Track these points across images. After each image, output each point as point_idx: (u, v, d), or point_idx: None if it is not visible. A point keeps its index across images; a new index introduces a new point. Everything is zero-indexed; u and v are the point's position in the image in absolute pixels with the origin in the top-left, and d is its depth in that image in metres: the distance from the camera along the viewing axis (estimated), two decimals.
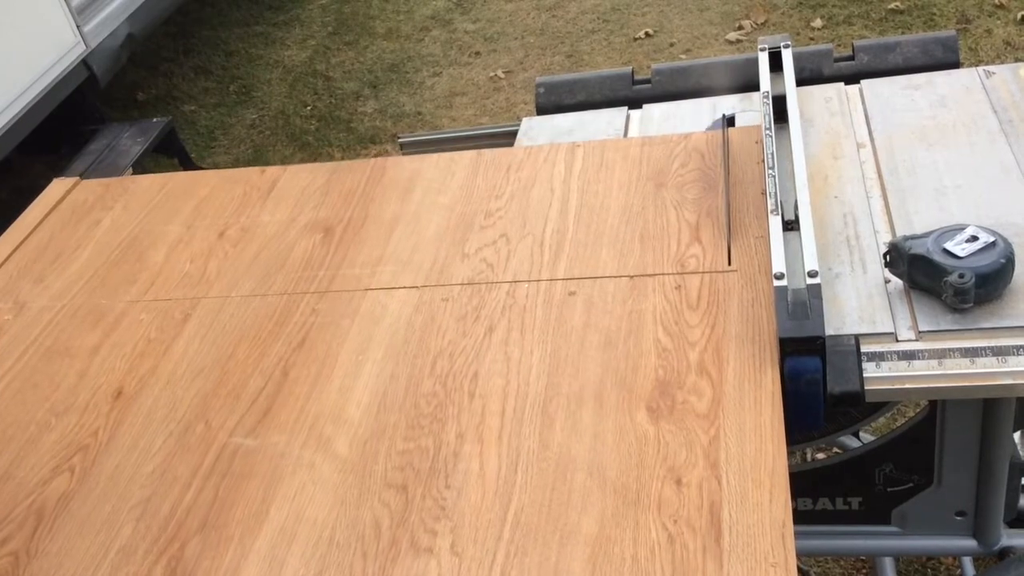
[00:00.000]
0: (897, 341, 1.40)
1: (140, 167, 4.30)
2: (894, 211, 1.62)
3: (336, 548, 1.29)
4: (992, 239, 1.41)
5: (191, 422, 1.53)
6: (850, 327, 1.43)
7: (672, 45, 5.05)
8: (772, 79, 1.88)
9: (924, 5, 4.79)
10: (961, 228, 1.45)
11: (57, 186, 2.27)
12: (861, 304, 1.46)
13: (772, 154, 1.67)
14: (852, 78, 2.02)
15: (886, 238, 1.56)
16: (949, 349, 1.37)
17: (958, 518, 1.73)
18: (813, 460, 2.36)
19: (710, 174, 1.78)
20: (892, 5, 4.83)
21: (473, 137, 2.44)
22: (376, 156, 4.80)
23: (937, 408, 1.61)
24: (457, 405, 1.44)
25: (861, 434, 2.29)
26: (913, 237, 1.46)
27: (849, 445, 2.17)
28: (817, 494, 1.79)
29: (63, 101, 4.17)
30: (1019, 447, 1.70)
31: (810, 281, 1.42)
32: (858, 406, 1.43)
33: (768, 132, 1.73)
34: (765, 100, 1.82)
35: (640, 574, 1.17)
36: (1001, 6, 4.65)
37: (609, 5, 5.54)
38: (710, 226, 1.66)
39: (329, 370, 1.56)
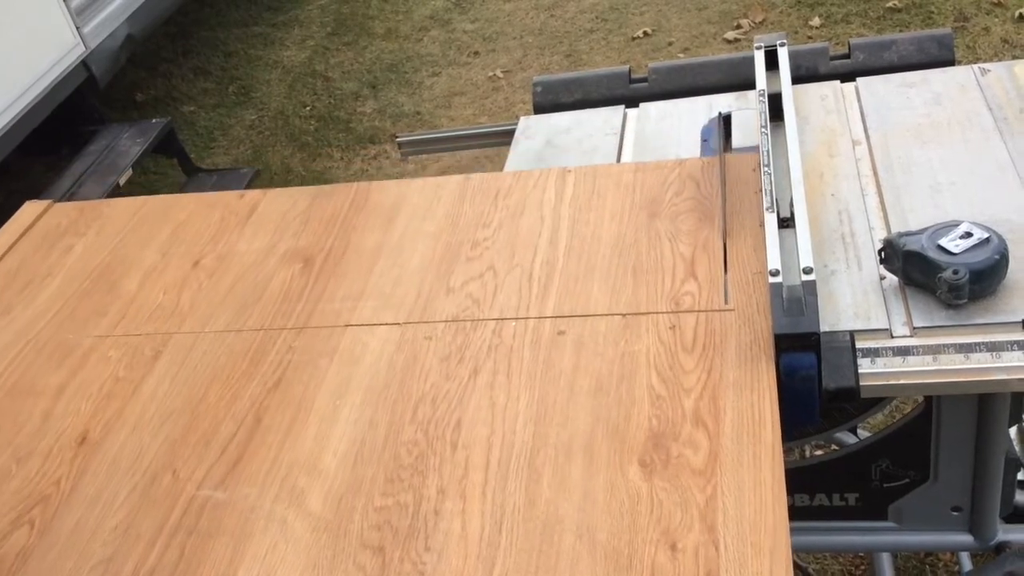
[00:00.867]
0: (892, 337, 1.41)
1: (140, 167, 4.32)
2: (889, 208, 1.63)
3: None
4: (986, 235, 1.42)
5: (158, 472, 1.44)
6: (845, 323, 1.44)
7: (670, 44, 5.06)
8: (768, 77, 1.89)
9: (922, 3, 4.79)
10: (955, 224, 1.45)
11: (29, 209, 2.16)
12: (856, 300, 1.47)
13: (768, 151, 1.68)
14: (848, 76, 2.03)
15: (881, 235, 1.56)
16: (943, 345, 1.38)
17: (954, 513, 1.73)
18: (812, 456, 2.37)
19: (705, 203, 1.71)
20: (890, 3, 4.83)
21: (471, 136, 2.45)
22: (375, 156, 4.81)
23: (932, 404, 1.62)
24: (439, 456, 1.36)
25: (859, 430, 2.30)
26: (908, 234, 1.46)
27: (846, 441, 2.18)
28: (814, 490, 1.80)
29: (63, 102, 4.19)
30: (1014, 443, 1.71)
31: (805, 278, 1.42)
32: (853, 402, 1.43)
33: (764, 130, 1.74)
34: (761, 98, 1.83)
35: None
36: (999, 4, 4.66)
37: (607, 4, 5.55)
38: (706, 260, 1.58)
39: (305, 415, 1.48)
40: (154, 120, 4.49)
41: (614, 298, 1.55)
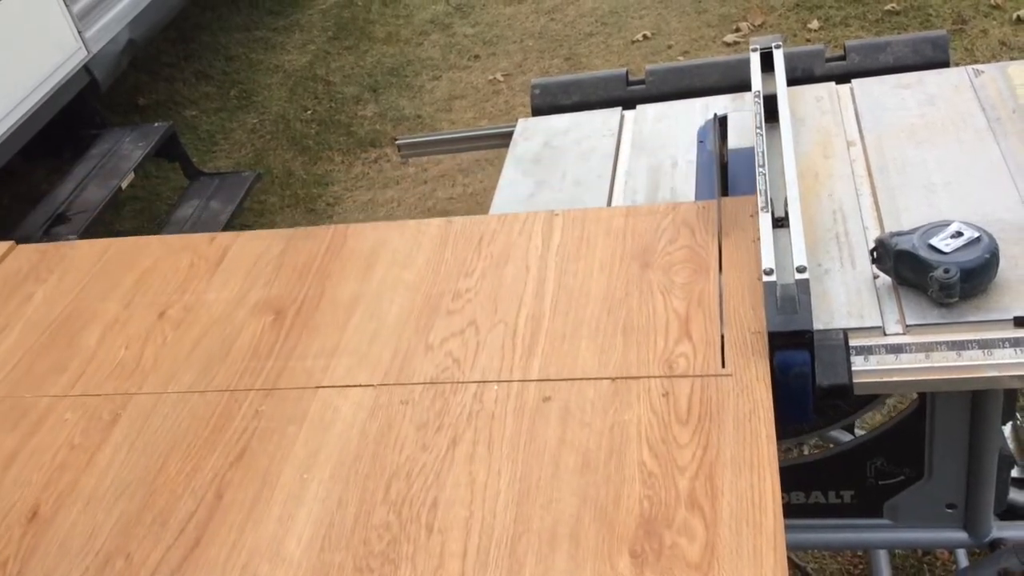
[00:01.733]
0: (885, 335, 1.42)
1: (142, 171, 4.33)
2: (883, 208, 1.65)
3: None
4: (977, 235, 1.44)
5: (111, 554, 1.33)
6: (838, 321, 1.45)
7: (670, 47, 5.08)
8: (764, 79, 1.91)
9: (920, 6, 4.81)
10: (946, 224, 1.47)
11: None
12: (850, 299, 1.49)
13: (763, 152, 1.69)
14: (843, 78, 2.05)
15: (875, 234, 1.58)
16: (936, 342, 1.39)
17: (949, 510, 1.75)
18: (807, 454, 2.38)
19: (701, 253, 1.61)
20: (888, 6, 4.85)
21: (470, 138, 2.47)
22: (376, 160, 4.83)
23: (926, 401, 1.64)
24: (413, 542, 1.25)
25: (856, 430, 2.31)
26: (899, 233, 1.48)
27: (841, 439, 2.19)
28: (810, 487, 1.81)
29: (65, 106, 4.20)
30: (1007, 440, 1.72)
31: (798, 276, 1.44)
32: (847, 399, 1.45)
33: (759, 131, 1.75)
34: (756, 99, 1.84)
35: None
36: (997, 6, 4.67)
37: (607, 8, 5.57)
38: (701, 318, 1.49)
39: (269, 492, 1.36)
40: (156, 124, 4.51)
41: (603, 359, 1.46)
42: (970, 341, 1.38)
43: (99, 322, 1.78)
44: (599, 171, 1.99)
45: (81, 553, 1.35)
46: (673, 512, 1.21)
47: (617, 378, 1.42)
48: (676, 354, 1.44)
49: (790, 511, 1.83)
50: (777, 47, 1.97)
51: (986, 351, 1.37)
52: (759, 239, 1.54)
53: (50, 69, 4.10)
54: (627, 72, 2.24)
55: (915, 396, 1.69)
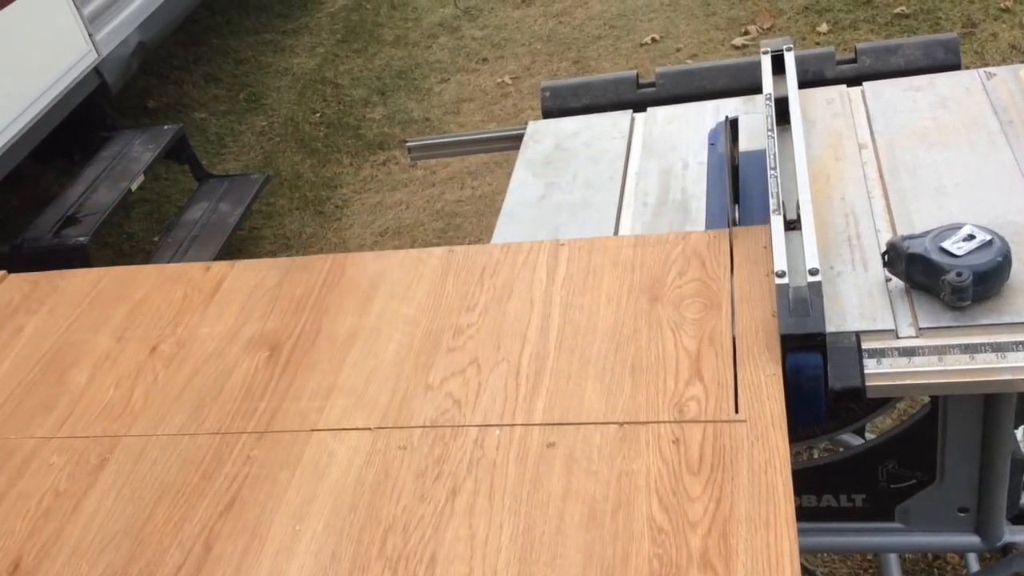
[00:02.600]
0: (898, 338, 1.42)
1: (151, 173, 4.35)
2: (895, 210, 1.64)
3: None
4: (989, 237, 1.44)
5: None
6: (851, 324, 1.45)
7: (678, 50, 5.07)
8: (775, 81, 1.90)
9: (930, 9, 4.80)
10: (958, 227, 1.47)
11: None
12: (862, 301, 1.49)
13: (775, 155, 1.69)
14: (854, 80, 2.04)
15: (887, 237, 1.58)
16: (949, 345, 1.39)
17: (961, 514, 1.74)
18: (819, 457, 2.37)
19: (712, 287, 1.55)
20: (898, 9, 4.84)
21: (480, 141, 2.47)
22: (384, 162, 4.84)
23: (939, 405, 1.63)
24: None
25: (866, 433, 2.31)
26: (911, 237, 1.48)
27: (852, 443, 2.18)
28: (821, 491, 1.81)
29: (75, 108, 4.22)
30: (1020, 443, 1.71)
31: (811, 279, 1.44)
32: (859, 402, 1.44)
33: (771, 133, 1.75)
34: (768, 102, 1.84)
35: None
36: (1007, 10, 4.66)
37: (615, 11, 5.57)
38: (713, 357, 1.42)
39: (259, 545, 1.30)
40: (165, 126, 4.52)
41: (611, 402, 1.39)
42: (983, 344, 1.38)
43: (90, 357, 1.73)
44: (610, 173, 1.99)
45: None
46: (685, 573, 1.14)
47: (625, 423, 1.35)
48: (687, 397, 1.37)
49: (801, 515, 1.83)
50: (788, 49, 1.97)
51: (999, 354, 1.36)
52: (772, 273, 1.49)
53: (61, 72, 4.12)
54: (637, 75, 2.24)
55: (927, 399, 1.69)
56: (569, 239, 1.75)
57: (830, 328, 1.43)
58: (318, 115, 5.38)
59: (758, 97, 2.02)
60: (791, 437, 1.30)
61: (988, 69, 1.94)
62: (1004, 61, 4.36)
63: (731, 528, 1.18)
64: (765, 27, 5.04)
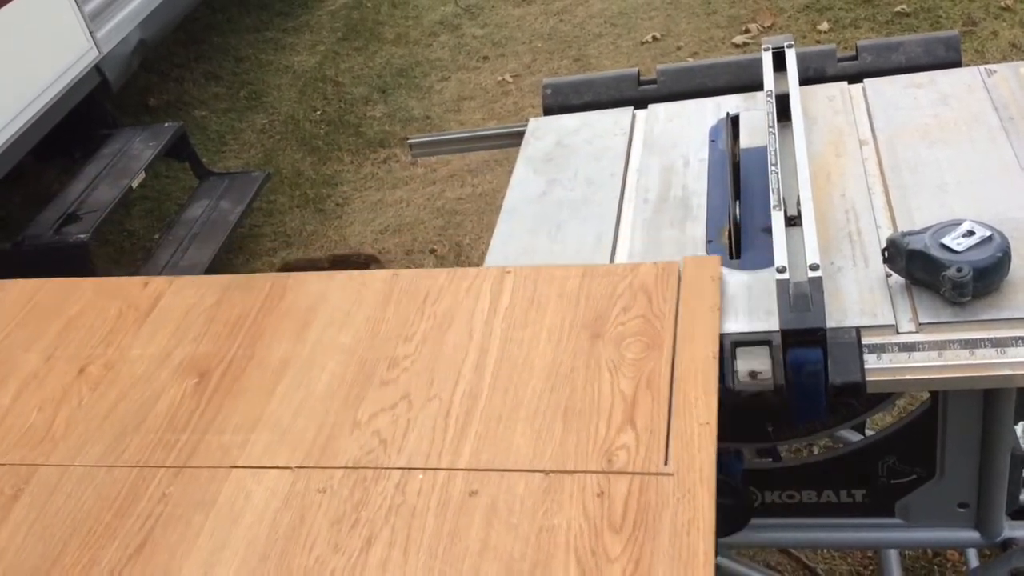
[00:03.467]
0: (898, 333, 1.43)
1: (152, 171, 4.35)
2: (896, 207, 1.65)
3: None
4: (988, 233, 1.44)
5: None
6: (851, 319, 1.45)
7: (679, 48, 5.08)
8: (776, 78, 1.91)
9: (930, 7, 4.80)
10: (958, 223, 1.47)
11: None
12: (862, 297, 1.49)
13: (775, 151, 1.70)
14: (855, 77, 2.05)
15: (888, 233, 1.58)
16: (949, 341, 1.40)
17: (961, 510, 1.74)
18: (818, 453, 2.38)
19: (655, 324, 1.51)
20: (898, 8, 4.85)
21: (481, 138, 2.48)
22: (385, 160, 4.84)
23: (939, 400, 1.64)
24: None
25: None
26: (911, 233, 1.48)
27: (851, 440, 2.19)
28: (821, 487, 1.81)
29: (76, 106, 4.22)
30: (1020, 439, 1.72)
31: (811, 274, 1.44)
32: (859, 397, 1.45)
33: (772, 130, 1.76)
34: (769, 99, 1.85)
35: None
36: (1007, 8, 4.67)
37: (616, 9, 5.57)
38: (648, 402, 1.38)
39: None
40: (166, 124, 4.52)
41: (538, 448, 1.36)
42: (983, 339, 1.39)
43: (17, 376, 1.68)
44: (611, 170, 1.99)
45: None
46: None
47: (551, 471, 1.32)
48: (617, 445, 1.34)
49: (802, 511, 1.84)
50: (789, 47, 1.97)
51: (999, 349, 1.37)
52: (719, 308, 1.49)
53: (61, 69, 4.12)
54: (638, 72, 2.24)
55: (927, 395, 1.69)
56: (516, 266, 1.71)
57: (830, 323, 1.44)
58: (319, 113, 5.38)
59: (759, 94, 2.02)
60: (791, 434, 1.31)
61: (989, 66, 1.95)
62: (1004, 59, 4.37)
63: None
64: (766, 25, 5.04)
